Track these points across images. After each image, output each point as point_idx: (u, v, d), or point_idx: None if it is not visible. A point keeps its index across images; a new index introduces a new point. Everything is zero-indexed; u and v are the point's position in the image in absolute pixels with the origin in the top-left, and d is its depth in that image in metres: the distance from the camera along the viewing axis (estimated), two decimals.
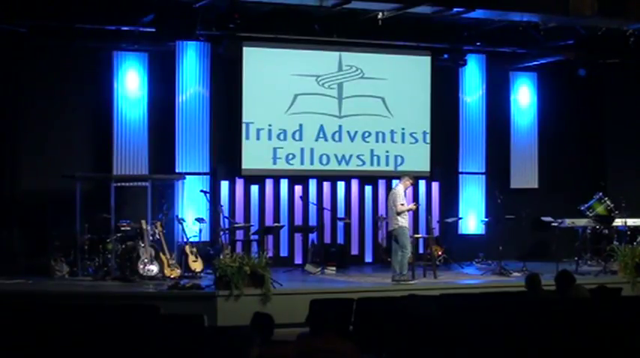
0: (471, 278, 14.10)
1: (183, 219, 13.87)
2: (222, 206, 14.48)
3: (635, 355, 7.60)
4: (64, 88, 14.55)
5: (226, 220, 14.12)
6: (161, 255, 13.09)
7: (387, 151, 15.94)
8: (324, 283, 13.23)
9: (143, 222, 13.13)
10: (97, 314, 8.55)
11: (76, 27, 13.73)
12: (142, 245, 12.94)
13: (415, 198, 16.27)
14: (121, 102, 14.67)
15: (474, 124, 16.67)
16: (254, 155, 15.18)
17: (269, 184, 15.51)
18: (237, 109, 15.12)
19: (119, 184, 13.88)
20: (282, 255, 15.32)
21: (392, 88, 15.93)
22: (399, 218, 13.02)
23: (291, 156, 15.38)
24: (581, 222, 14.75)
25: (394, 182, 16.08)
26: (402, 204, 13.07)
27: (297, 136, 15.41)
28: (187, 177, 14.51)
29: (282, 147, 15.33)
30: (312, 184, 15.73)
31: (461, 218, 16.25)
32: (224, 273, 11.60)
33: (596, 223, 14.73)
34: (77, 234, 13.24)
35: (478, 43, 15.70)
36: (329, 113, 15.63)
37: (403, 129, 16.01)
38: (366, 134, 15.80)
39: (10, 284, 12.37)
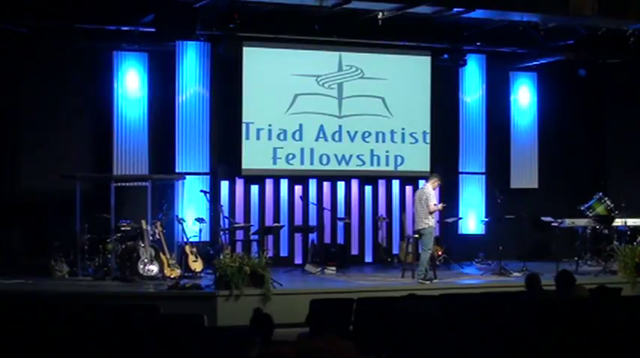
0: (471, 278, 14.10)
1: (183, 219, 13.87)
2: (222, 206, 14.49)
3: (635, 355, 7.60)
4: (64, 88, 14.55)
5: (226, 220, 14.12)
6: (161, 255, 13.09)
7: (387, 151, 15.94)
8: (324, 283, 13.23)
9: (143, 222, 13.12)
10: (97, 314, 8.55)
11: (76, 27, 13.72)
12: (142, 245, 12.94)
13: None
14: (121, 102, 14.67)
15: (474, 124, 16.66)
16: (254, 155, 15.18)
17: (269, 184, 15.52)
18: (237, 109, 15.12)
19: (119, 184, 13.87)
20: (282, 255, 15.31)
21: (392, 88, 15.93)
22: (430, 217, 13.21)
23: (291, 156, 15.38)
24: (581, 222, 14.74)
25: (394, 182, 16.20)
26: (435, 204, 13.31)
27: (297, 136, 15.41)
28: (187, 177, 14.52)
29: (282, 147, 15.33)
30: (312, 184, 15.74)
31: (461, 218, 16.24)
32: (224, 273, 11.60)
33: (596, 223, 14.72)
34: (77, 234, 13.23)
35: (478, 43, 15.70)
36: (329, 113, 15.63)
37: (403, 129, 16.01)
38: (366, 134, 15.80)
39: (10, 284, 12.35)
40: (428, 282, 12.93)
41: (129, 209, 14.25)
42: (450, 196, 16.43)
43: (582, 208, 14.78)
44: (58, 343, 7.49)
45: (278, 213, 15.50)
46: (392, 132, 15.94)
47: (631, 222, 14.65)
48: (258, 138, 15.20)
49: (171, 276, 12.86)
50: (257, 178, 15.40)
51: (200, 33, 13.95)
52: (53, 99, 14.48)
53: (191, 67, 14.90)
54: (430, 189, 13.40)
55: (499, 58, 16.54)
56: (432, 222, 13.26)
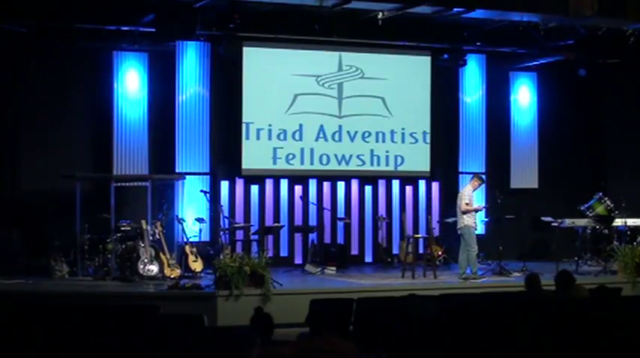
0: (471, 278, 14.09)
1: (183, 219, 13.88)
2: (222, 206, 14.48)
3: (635, 355, 7.60)
4: (64, 88, 14.56)
5: (226, 220, 14.12)
6: (161, 255, 13.09)
7: (387, 151, 15.94)
8: (324, 283, 13.22)
9: (143, 222, 13.12)
10: (97, 314, 8.55)
11: (76, 27, 13.73)
12: (142, 245, 12.94)
13: (415, 198, 16.32)
14: (121, 102, 14.67)
15: (474, 124, 16.66)
16: (254, 155, 15.19)
17: (269, 184, 15.51)
18: (237, 109, 15.12)
19: (119, 184, 13.87)
20: (282, 255, 15.31)
21: (392, 88, 15.93)
22: (464, 217, 13.59)
23: (291, 156, 15.39)
24: (581, 222, 14.73)
25: (394, 182, 16.20)
26: (467, 204, 13.61)
27: (297, 136, 15.41)
28: (187, 177, 14.52)
29: (282, 147, 15.33)
30: (312, 184, 15.73)
31: None
32: (224, 273, 11.60)
33: (596, 223, 14.72)
34: (77, 234, 13.23)
35: (478, 43, 15.70)
36: (329, 113, 15.63)
37: (403, 129, 16.02)
38: (366, 134, 15.80)
39: (10, 284, 12.36)
40: (478, 281, 13.17)
41: (129, 209, 14.25)
42: (450, 196, 16.42)
43: (582, 208, 14.77)
44: (58, 343, 7.49)
45: (278, 213, 15.50)
46: (392, 132, 15.94)
47: (631, 222, 14.63)
48: (258, 138, 15.20)
49: (172, 276, 12.86)
50: (257, 178, 15.39)
51: (200, 33, 13.95)
52: (53, 99, 14.49)
53: (191, 67, 14.90)
54: (467, 190, 13.81)
55: (499, 58, 16.54)
56: (467, 220, 13.57)
